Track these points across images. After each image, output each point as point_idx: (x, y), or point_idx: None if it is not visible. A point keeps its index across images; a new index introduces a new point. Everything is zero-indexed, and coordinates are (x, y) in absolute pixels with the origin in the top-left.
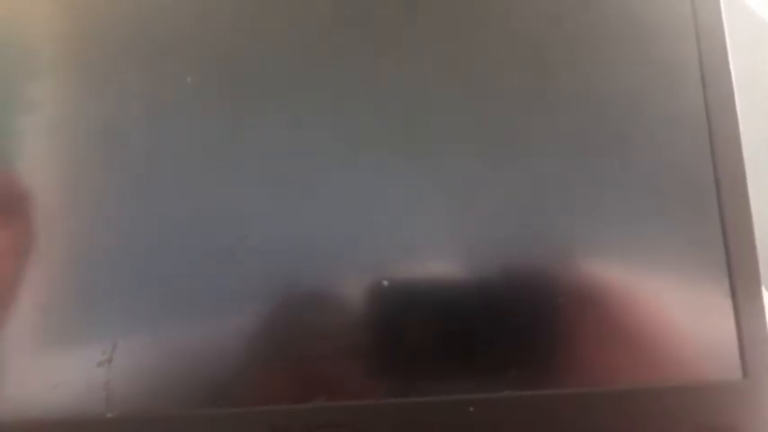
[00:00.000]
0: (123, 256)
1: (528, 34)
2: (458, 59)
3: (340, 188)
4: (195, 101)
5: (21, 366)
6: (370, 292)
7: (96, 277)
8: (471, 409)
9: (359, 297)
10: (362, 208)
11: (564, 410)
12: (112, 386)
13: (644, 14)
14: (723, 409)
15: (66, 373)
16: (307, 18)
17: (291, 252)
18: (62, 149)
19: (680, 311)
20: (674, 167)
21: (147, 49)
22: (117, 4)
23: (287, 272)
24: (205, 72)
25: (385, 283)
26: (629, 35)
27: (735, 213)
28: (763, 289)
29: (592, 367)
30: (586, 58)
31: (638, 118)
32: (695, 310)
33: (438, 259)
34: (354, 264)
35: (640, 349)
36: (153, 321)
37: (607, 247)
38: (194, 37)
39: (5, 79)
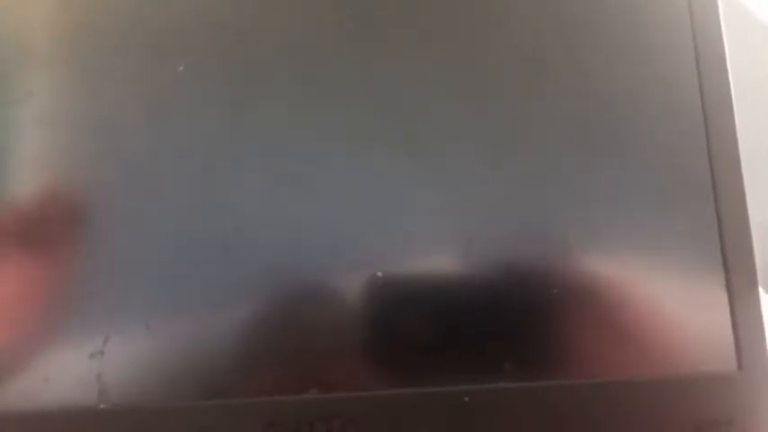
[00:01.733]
0: (116, 248)
1: (527, 32)
2: (457, 58)
3: (337, 182)
4: (192, 94)
5: (13, 359)
6: (365, 285)
7: (89, 269)
8: (466, 399)
9: (354, 290)
10: (359, 202)
11: (559, 402)
12: (105, 378)
13: (641, 13)
14: (718, 401)
15: (59, 365)
16: (306, 14)
17: (287, 245)
18: (55, 140)
19: (675, 304)
20: (670, 163)
21: (144, 41)
22: None
23: (282, 265)
24: (201, 62)
25: (379, 275)
26: (627, 34)
27: (731, 207)
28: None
29: (587, 359)
30: (585, 58)
31: (635, 116)
32: (691, 303)
33: (434, 252)
34: (350, 256)
35: (636, 341)
36: (146, 314)
37: (603, 241)
38: (191, 26)
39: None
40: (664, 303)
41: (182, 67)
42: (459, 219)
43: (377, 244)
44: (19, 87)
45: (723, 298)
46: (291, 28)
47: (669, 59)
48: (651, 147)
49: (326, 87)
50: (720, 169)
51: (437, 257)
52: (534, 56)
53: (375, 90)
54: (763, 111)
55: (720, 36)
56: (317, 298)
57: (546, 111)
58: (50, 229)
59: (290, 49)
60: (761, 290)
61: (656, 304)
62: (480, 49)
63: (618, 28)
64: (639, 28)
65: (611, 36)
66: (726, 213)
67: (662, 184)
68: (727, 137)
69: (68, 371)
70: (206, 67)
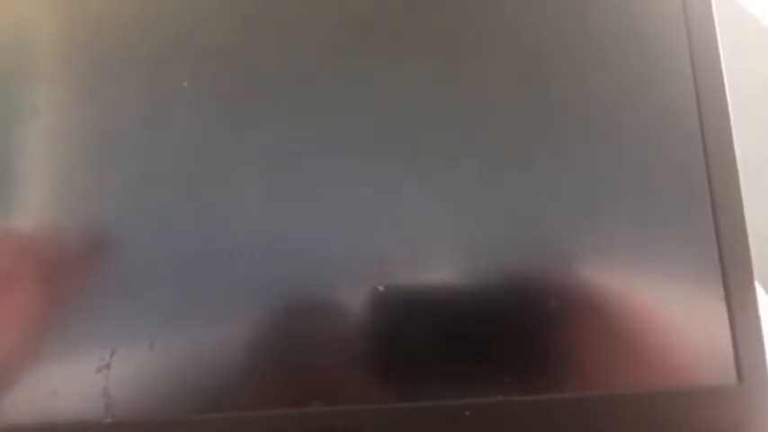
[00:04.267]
0: (121, 263)
1: (526, 42)
2: (457, 68)
3: (337, 194)
4: (194, 106)
5: (20, 372)
6: (366, 298)
7: (95, 284)
8: (467, 413)
9: (355, 302)
10: (360, 214)
11: (558, 415)
12: (111, 392)
13: (634, 17)
14: (718, 413)
15: (65, 379)
16: (308, 29)
17: (289, 258)
18: (61, 156)
19: (674, 316)
20: (667, 170)
21: (147, 55)
22: (117, 9)
23: (284, 277)
24: (205, 77)
25: (381, 288)
26: (622, 37)
27: (728, 216)
28: (758, 286)
29: (586, 372)
30: (583, 59)
31: (630, 122)
32: (689, 315)
33: (433, 265)
34: (351, 269)
35: (635, 354)
36: (151, 328)
37: (600, 252)
38: (194, 42)
39: (4, 85)
40: (662, 316)
41: (186, 83)
42: (460, 232)
43: (378, 257)
44: (25, 104)
45: (722, 310)
46: (293, 43)
47: (663, 63)
48: (647, 153)
49: (328, 101)
50: (717, 175)
51: (438, 271)
52: (531, 60)
53: (375, 104)
54: (759, 113)
55: (715, 36)
56: (319, 311)
57: (544, 122)
58: (57, 246)
59: (292, 63)
60: (760, 290)
61: (654, 317)
62: (480, 59)
63: (612, 32)
64: (633, 32)
65: (605, 42)
66: (723, 222)
67: (659, 192)
68: (723, 141)
69: (76, 385)
70: (209, 82)
